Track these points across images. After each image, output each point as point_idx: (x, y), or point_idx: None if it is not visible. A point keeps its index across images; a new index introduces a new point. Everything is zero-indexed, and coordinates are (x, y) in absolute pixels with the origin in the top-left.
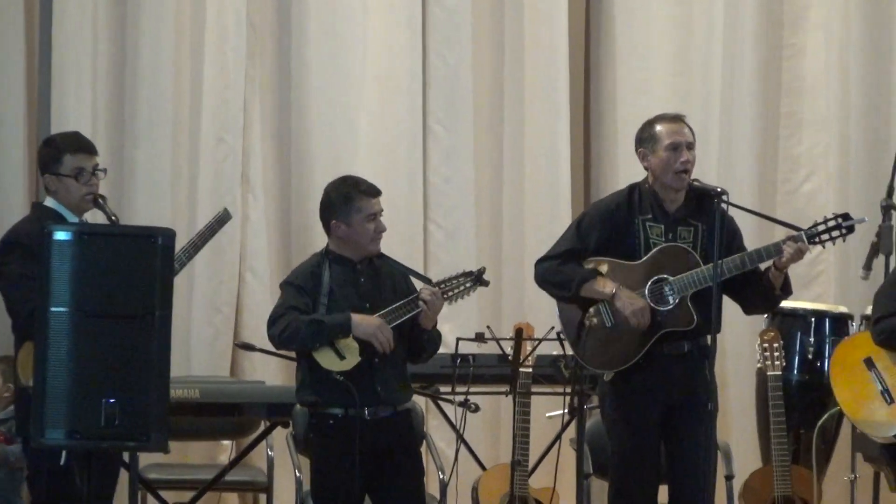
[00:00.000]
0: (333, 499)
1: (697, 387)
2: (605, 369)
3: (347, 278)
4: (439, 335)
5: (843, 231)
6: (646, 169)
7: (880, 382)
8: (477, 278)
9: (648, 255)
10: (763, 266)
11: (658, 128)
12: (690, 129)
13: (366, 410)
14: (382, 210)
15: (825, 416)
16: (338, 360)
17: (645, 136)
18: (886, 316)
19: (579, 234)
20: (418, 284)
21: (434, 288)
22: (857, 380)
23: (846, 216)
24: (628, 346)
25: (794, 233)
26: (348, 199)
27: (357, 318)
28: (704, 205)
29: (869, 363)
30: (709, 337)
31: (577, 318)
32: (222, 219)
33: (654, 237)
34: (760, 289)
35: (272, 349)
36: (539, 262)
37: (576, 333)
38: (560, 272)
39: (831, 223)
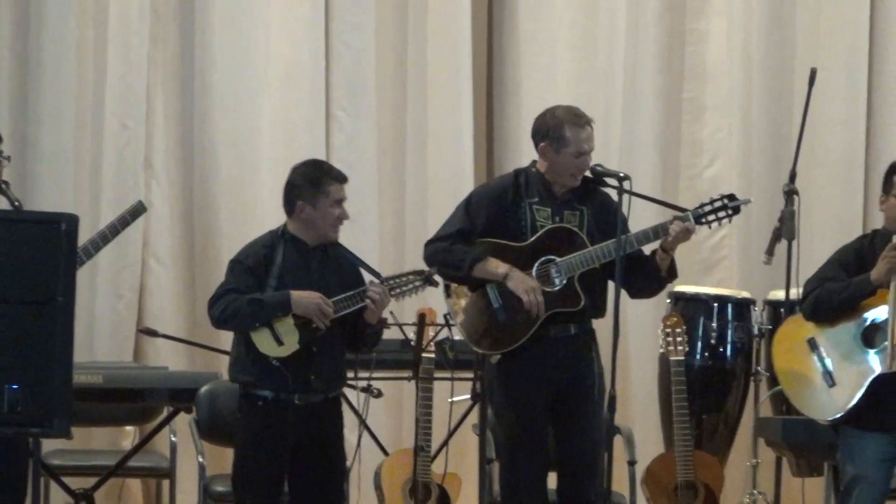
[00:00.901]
0: (254, 479)
1: (584, 370)
2: (493, 351)
3: (299, 262)
4: (381, 328)
5: (729, 212)
6: (541, 156)
7: (822, 364)
8: (427, 278)
9: (535, 237)
10: (649, 249)
11: (567, 131)
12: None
13: (296, 396)
14: (346, 198)
15: (768, 394)
16: (276, 346)
17: (552, 134)
18: (807, 294)
19: (468, 214)
20: (367, 277)
21: (382, 285)
22: (799, 360)
23: (732, 197)
24: (516, 328)
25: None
26: (318, 183)
27: (296, 295)
28: (590, 190)
29: (812, 344)
30: (606, 323)
31: (464, 301)
32: (136, 211)
33: (542, 220)
34: (646, 272)
35: (175, 335)
36: (429, 243)
37: (462, 316)
38: (451, 252)
39: (717, 204)
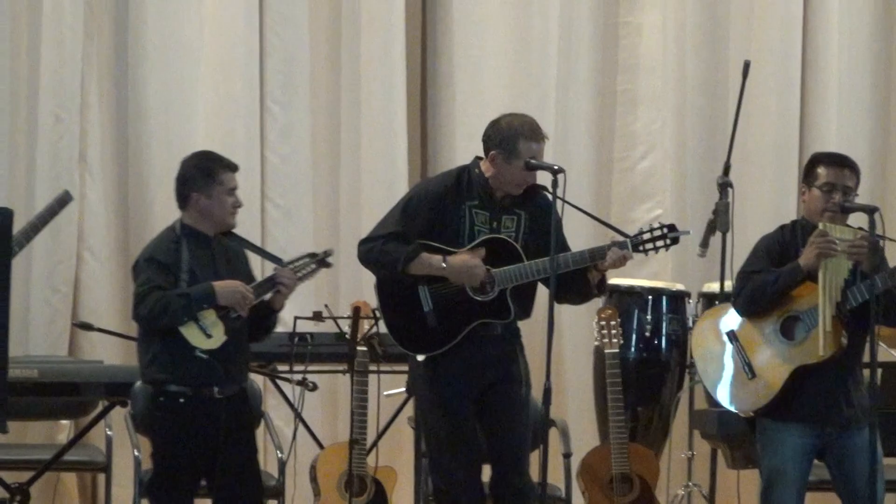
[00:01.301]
0: (177, 476)
1: (511, 366)
2: (419, 353)
3: (204, 254)
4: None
5: (668, 242)
6: (489, 163)
7: (742, 357)
8: (321, 260)
9: (471, 245)
10: None
11: (521, 144)
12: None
13: (215, 389)
14: (238, 186)
15: (688, 385)
16: (205, 339)
17: (504, 144)
18: (739, 291)
19: (405, 216)
20: (256, 261)
21: (290, 270)
22: (719, 353)
23: (672, 227)
24: (444, 332)
25: (621, 238)
26: (210, 173)
27: (219, 286)
28: (530, 196)
29: (731, 337)
30: (542, 317)
31: (393, 298)
32: (63, 200)
33: (479, 224)
34: (576, 284)
35: (110, 329)
36: (363, 242)
37: (391, 314)
38: (385, 252)
39: (657, 233)
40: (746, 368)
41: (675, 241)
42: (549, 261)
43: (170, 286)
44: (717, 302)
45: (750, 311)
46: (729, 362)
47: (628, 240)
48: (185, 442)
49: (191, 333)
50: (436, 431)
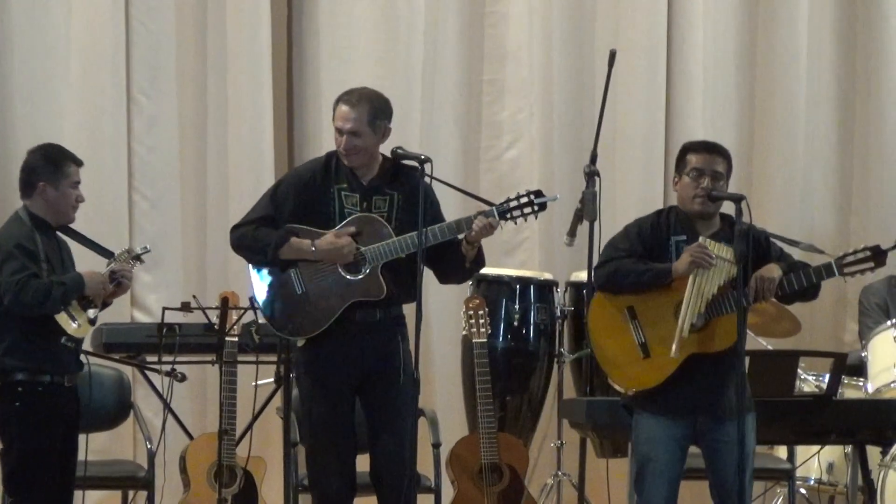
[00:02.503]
0: (43, 469)
1: (390, 355)
2: (296, 336)
3: (53, 245)
4: None
5: (535, 208)
6: None
7: (639, 335)
8: (136, 257)
9: (341, 225)
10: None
11: (334, 110)
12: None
13: (66, 378)
14: (80, 181)
15: (572, 357)
16: (74, 326)
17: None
18: (605, 262)
19: (274, 201)
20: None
21: (129, 264)
22: (617, 328)
23: (538, 193)
24: (319, 314)
25: (487, 207)
26: (58, 164)
27: (87, 275)
28: (401, 175)
29: (632, 312)
30: (411, 306)
31: (268, 283)
32: None
33: (350, 206)
34: (453, 261)
35: None
36: (234, 228)
37: (267, 299)
38: (255, 238)
39: (523, 199)
40: (643, 348)
41: (542, 206)
42: (417, 235)
43: (41, 274)
44: (584, 291)
45: (606, 286)
46: (626, 338)
47: (494, 207)
48: (47, 432)
49: (63, 321)
50: (312, 417)
